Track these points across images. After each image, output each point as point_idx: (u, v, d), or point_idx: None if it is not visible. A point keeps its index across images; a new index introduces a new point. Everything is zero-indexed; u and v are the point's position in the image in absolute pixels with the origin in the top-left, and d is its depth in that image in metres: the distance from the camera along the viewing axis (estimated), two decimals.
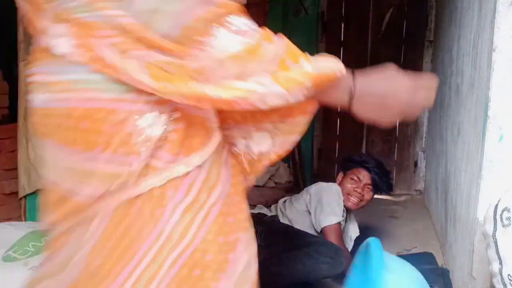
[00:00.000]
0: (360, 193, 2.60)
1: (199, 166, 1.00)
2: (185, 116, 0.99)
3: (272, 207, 2.70)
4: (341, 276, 2.23)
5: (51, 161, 1.04)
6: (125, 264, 0.96)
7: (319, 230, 2.49)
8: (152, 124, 0.96)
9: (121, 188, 0.98)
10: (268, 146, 1.21)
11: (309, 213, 2.55)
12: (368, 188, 2.63)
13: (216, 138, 1.04)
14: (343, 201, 2.56)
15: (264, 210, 2.64)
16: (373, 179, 2.64)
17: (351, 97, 1.06)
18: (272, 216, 2.56)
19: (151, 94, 0.94)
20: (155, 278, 0.96)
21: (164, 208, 0.98)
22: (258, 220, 2.16)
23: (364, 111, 1.07)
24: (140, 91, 0.95)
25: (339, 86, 1.06)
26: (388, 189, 2.74)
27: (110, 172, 0.98)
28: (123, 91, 0.96)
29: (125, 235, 0.97)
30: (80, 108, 0.97)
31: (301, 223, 2.51)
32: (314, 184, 2.74)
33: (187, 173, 0.99)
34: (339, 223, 2.46)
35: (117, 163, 0.97)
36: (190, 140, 1.00)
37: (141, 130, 0.96)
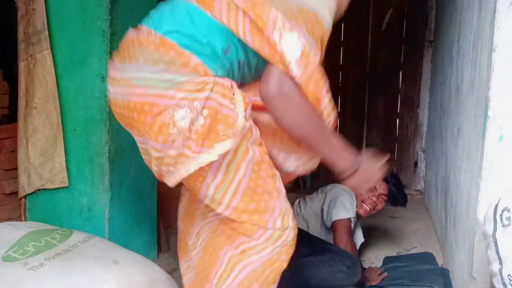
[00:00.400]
0: (374, 201, 2.62)
1: (224, 153, 1.27)
2: (212, 113, 1.26)
3: None
4: (355, 287, 2.25)
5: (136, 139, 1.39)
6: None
7: (329, 225, 2.50)
8: (183, 118, 1.23)
9: (168, 171, 1.30)
10: (294, 167, 1.53)
11: (323, 211, 2.57)
12: (382, 198, 2.64)
13: (239, 132, 1.28)
14: (356, 206, 2.58)
15: None
16: (390, 190, 2.65)
17: (352, 173, 1.41)
18: None
19: (187, 91, 1.24)
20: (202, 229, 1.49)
21: (200, 186, 1.32)
22: None
23: (355, 182, 1.42)
24: (178, 90, 1.24)
25: (346, 160, 1.40)
26: (404, 202, 2.73)
27: (155, 156, 1.30)
28: (164, 88, 1.25)
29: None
30: (132, 101, 1.28)
31: (315, 223, 2.53)
32: (329, 185, 2.77)
33: (212, 162, 1.26)
34: (349, 219, 2.49)
35: (159, 149, 1.28)
36: (214, 134, 1.26)
37: (174, 122, 1.23)
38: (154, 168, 1.35)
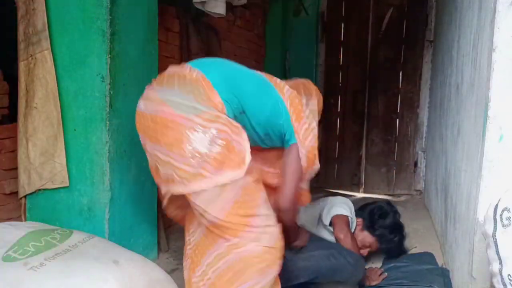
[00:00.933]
0: (368, 253, 2.64)
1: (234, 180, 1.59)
2: (227, 145, 1.58)
3: None
4: (357, 285, 2.29)
5: (146, 149, 1.71)
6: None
7: (328, 222, 2.54)
8: (200, 141, 1.55)
9: (181, 182, 1.58)
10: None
11: (321, 216, 2.60)
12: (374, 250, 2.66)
13: (247, 164, 1.61)
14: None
15: None
16: (383, 249, 2.67)
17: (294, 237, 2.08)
18: None
19: (204, 120, 1.57)
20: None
21: (199, 196, 1.60)
22: None
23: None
24: (197, 116, 1.58)
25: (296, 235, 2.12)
26: (399, 255, 2.69)
27: (171, 162, 1.59)
28: (187, 112, 1.58)
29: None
30: (159, 116, 1.61)
31: (311, 228, 2.56)
32: (330, 196, 2.85)
33: (225, 184, 1.57)
34: (348, 217, 2.53)
35: (177, 161, 1.57)
36: (229, 162, 1.57)
37: (191, 142, 1.55)
38: (165, 171, 1.65)
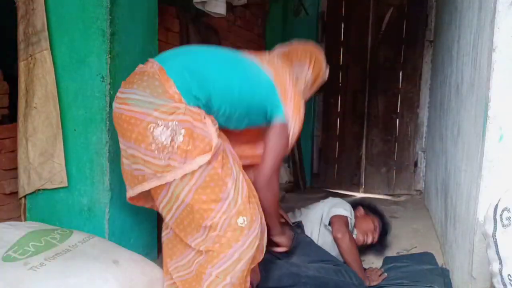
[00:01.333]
0: (373, 238, 2.68)
1: (202, 165, 1.64)
2: (190, 133, 1.63)
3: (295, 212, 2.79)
4: None
5: (121, 147, 1.77)
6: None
7: (327, 222, 2.55)
8: (160, 134, 1.62)
9: (154, 175, 1.67)
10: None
11: (322, 217, 2.62)
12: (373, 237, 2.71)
13: (214, 147, 1.65)
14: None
15: (290, 215, 2.71)
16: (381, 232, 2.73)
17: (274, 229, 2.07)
18: (297, 222, 2.65)
19: (163, 113, 1.63)
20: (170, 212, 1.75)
21: (182, 189, 1.67)
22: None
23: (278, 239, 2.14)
24: (155, 110, 1.64)
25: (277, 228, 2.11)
26: (381, 250, 2.79)
27: (143, 158, 1.67)
28: (147, 108, 1.65)
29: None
30: (124, 114, 1.70)
31: (311, 229, 2.59)
32: (330, 197, 2.86)
33: (194, 171, 1.64)
34: (347, 217, 2.55)
35: (142, 153, 1.66)
36: (194, 149, 1.63)
37: (154, 137, 1.63)
38: (132, 166, 1.73)
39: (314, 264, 2.19)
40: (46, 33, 2.09)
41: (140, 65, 1.82)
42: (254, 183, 1.84)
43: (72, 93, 2.14)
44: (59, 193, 2.19)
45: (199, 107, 1.70)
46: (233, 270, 1.70)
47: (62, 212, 2.20)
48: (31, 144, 2.16)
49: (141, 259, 1.88)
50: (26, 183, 2.20)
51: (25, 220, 2.24)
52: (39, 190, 2.20)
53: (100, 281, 1.62)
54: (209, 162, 1.65)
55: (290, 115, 1.91)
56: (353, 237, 2.52)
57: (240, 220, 1.70)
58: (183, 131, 1.62)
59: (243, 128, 1.91)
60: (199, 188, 1.66)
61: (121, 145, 1.78)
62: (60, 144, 2.14)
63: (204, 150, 1.64)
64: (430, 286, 2.21)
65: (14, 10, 2.19)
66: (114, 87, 2.14)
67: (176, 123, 1.62)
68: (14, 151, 2.25)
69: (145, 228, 2.46)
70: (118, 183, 2.21)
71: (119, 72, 2.17)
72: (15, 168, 2.24)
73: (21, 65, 2.16)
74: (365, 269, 2.45)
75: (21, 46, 2.16)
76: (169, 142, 1.61)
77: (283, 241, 2.15)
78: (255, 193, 1.82)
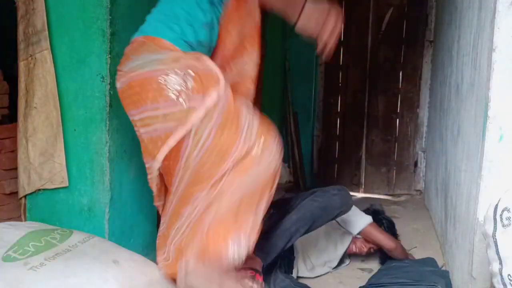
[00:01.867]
0: (365, 254, 2.67)
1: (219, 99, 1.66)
2: (197, 73, 1.67)
3: None
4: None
5: (136, 118, 1.79)
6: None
7: (356, 232, 2.58)
8: (174, 82, 1.66)
9: (178, 124, 1.66)
10: None
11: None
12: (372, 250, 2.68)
13: (221, 79, 1.68)
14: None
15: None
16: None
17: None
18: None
19: (167, 63, 1.69)
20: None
21: (203, 130, 1.65)
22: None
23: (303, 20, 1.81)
24: (160, 63, 1.70)
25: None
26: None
27: (161, 114, 1.69)
28: (151, 65, 1.70)
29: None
30: (133, 80, 1.73)
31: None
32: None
33: (212, 111, 1.64)
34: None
35: (161, 108, 1.68)
36: (207, 86, 1.66)
37: (169, 86, 1.66)
38: (158, 126, 1.71)
39: (292, 210, 2.21)
40: (46, 33, 2.09)
41: (127, 47, 1.85)
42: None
43: (72, 93, 2.14)
44: (59, 193, 2.19)
45: (194, 50, 1.79)
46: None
47: (62, 212, 2.20)
48: (31, 144, 2.16)
49: (141, 259, 1.88)
50: (26, 183, 2.20)
51: (25, 220, 2.25)
52: (39, 190, 2.20)
53: (100, 281, 1.62)
54: (222, 98, 1.67)
55: None
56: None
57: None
58: (191, 72, 1.67)
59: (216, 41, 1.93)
60: (219, 128, 1.67)
61: (135, 117, 1.78)
62: (61, 144, 2.14)
63: (216, 82, 1.67)
64: (434, 284, 2.21)
65: (14, 10, 2.19)
66: (114, 87, 2.14)
67: (182, 68, 1.68)
68: (14, 151, 2.25)
69: (145, 228, 2.46)
70: (118, 183, 2.22)
71: None
72: (15, 168, 2.24)
73: (21, 65, 2.16)
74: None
75: (21, 46, 2.16)
76: (184, 87, 1.66)
77: None
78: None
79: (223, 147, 1.66)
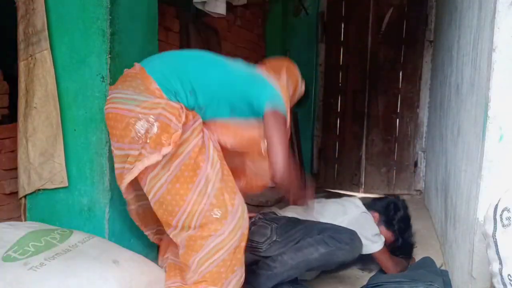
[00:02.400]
0: None
1: (167, 154, 1.74)
2: (163, 126, 1.74)
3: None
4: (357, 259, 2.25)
5: (113, 150, 1.88)
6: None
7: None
8: (142, 127, 1.74)
9: (130, 167, 1.77)
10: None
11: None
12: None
13: (173, 140, 1.73)
14: None
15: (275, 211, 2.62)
16: (396, 243, 2.62)
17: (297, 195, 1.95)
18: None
19: (145, 108, 1.76)
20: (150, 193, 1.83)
21: (146, 176, 1.79)
22: (271, 219, 2.31)
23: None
24: (138, 106, 1.76)
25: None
26: (410, 250, 2.67)
27: (120, 154, 1.83)
28: (130, 104, 1.78)
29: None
30: (111, 113, 1.83)
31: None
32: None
33: (159, 161, 1.74)
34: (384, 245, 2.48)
35: (125, 148, 1.79)
36: (164, 141, 1.73)
37: (136, 130, 1.75)
38: (118, 166, 1.86)
39: (294, 247, 2.12)
40: (46, 33, 2.09)
41: (126, 69, 1.95)
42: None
43: (72, 93, 2.14)
44: (59, 193, 2.19)
45: (178, 101, 1.82)
46: (212, 258, 1.78)
47: (62, 212, 2.20)
48: (31, 144, 2.16)
49: (141, 259, 1.88)
50: (26, 183, 2.20)
51: (25, 220, 2.25)
52: (39, 190, 2.20)
53: (100, 281, 1.62)
54: (181, 154, 1.77)
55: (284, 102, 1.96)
56: (396, 260, 2.49)
57: (216, 212, 1.78)
58: (157, 124, 1.73)
59: (228, 117, 1.97)
60: (174, 178, 1.77)
61: (113, 149, 1.87)
62: (61, 144, 2.14)
63: (173, 141, 1.73)
64: (430, 283, 2.21)
65: (14, 10, 2.19)
66: None
67: (154, 117, 1.74)
68: (14, 151, 2.25)
69: None
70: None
71: (119, 72, 2.16)
72: (15, 168, 2.24)
73: (21, 65, 2.16)
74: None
75: (21, 46, 2.16)
76: (143, 134, 1.74)
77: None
78: (232, 183, 1.87)
79: (175, 197, 1.77)
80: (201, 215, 1.77)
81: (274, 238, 2.18)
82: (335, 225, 2.30)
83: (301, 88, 2.31)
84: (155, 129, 1.73)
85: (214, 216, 1.77)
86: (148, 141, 1.73)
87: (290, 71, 2.23)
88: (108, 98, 1.89)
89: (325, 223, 2.34)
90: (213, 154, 1.83)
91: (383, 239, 2.47)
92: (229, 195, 1.81)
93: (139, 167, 1.74)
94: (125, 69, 1.96)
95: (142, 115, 1.74)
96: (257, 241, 2.17)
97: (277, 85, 2.00)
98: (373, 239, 2.42)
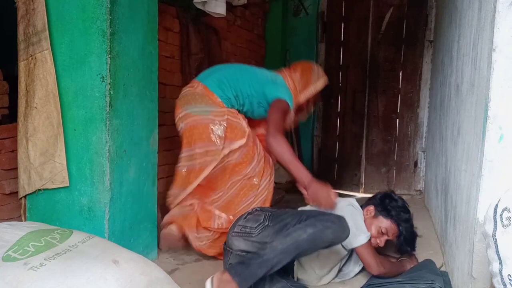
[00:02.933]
0: (379, 244, 2.52)
1: (238, 147, 2.60)
2: (231, 126, 2.59)
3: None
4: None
5: (185, 155, 2.65)
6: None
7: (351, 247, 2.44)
8: (217, 129, 2.56)
9: (212, 158, 2.56)
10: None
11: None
12: (390, 241, 2.56)
13: (247, 132, 2.62)
14: None
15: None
16: (398, 241, 2.56)
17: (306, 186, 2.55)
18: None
19: (215, 115, 2.57)
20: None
21: (226, 164, 2.63)
22: (267, 209, 2.45)
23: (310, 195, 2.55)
24: (210, 114, 2.58)
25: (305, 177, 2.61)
26: (414, 241, 2.61)
27: (202, 151, 2.57)
28: (205, 114, 2.57)
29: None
30: (192, 125, 2.58)
31: None
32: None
33: (236, 150, 2.60)
34: (369, 241, 2.42)
35: (209, 146, 2.56)
36: (235, 136, 2.59)
37: (214, 132, 2.55)
38: (200, 160, 2.57)
39: (281, 234, 2.12)
40: (47, 33, 2.09)
41: (185, 88, 2.72)
42: (266, 144, 2.55)
43: (72, 93, 2.14)
44: (59, 193, 2.20)
45: (233, 106, 2.66)
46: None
47: (62, 212, 2.20)
48: (31, 144, 2.16)
49: (141, 259, 1.88)
50: (26, 183, 2.20)
51: (25, 220, 2.25)
52: (39, 190, 2.20)
53: (100, 281, 1.62)
54: (245, 145, 2.60)
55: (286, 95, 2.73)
56: (382, 259, 2.44)
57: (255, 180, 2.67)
58: (226, 125, 2.57)
59: (257, 117, 2.79)
60: (237, 163, 2.61)
61: (184, 154, 2.60)
62: (61, 144, 2.14)
63: (242, 136, 2.59)
64: (431, 282, 2.21)
65: (14, 10, 2.19)
66: (114, 87, 2.14)
67: (224, 121, 2.56)
68: (14, 151, 2.25)
69: (145, 228, 2.46)
70: (118, 183, 2.22)
71: (119, 72, 2.17)
72: (15, 168, 2.24)
73: (21, 65, 2.16)
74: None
75: (22, 46, 2.16)
76: (221, 134, 2.55)
77: (306, 192, 2.54)
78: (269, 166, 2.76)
79: (236, 168, 2.63)
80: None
81: (266, 223, 2.23)
82: (322, 211, 2.33)
83: (318, 83, 3.03)
84: (227, 130, 2.56)
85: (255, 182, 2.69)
86: (225, 138, 2.54)
87: (304, 70, 2.97)
88: (183, 114, 2.59)
89: (314, 210, 2.44)
90: (259, 146, 2.71)
91: (368, 235, 2.40)
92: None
93: (222, 155, 2.54)
94: (187, 88, 2.69)
95: (216, 121, 2.55)
96: (251, 226, 2.24)
97: (288, 83, 2.83)
98: (356, 232, 2.37)
